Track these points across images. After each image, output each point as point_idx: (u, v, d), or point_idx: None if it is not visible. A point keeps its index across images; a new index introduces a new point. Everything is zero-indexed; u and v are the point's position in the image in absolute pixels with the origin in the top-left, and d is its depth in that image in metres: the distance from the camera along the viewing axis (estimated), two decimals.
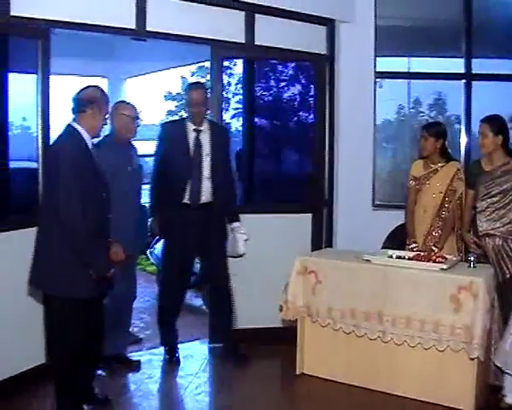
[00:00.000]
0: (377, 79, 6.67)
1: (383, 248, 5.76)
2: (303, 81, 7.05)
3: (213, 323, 5.81)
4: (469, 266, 4.77)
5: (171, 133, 5.49)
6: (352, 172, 6.51)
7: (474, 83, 6.81)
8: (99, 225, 4.08)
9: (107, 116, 4.25)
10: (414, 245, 5.38)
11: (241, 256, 5.59)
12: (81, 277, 4.01)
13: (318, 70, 6.30)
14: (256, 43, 5.92)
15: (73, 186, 3.85)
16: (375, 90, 6.61)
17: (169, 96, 26.14)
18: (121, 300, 5.10)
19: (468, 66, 6.79)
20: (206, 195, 5.34)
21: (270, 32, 5.97)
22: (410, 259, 4.89)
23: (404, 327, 4.66)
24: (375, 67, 6.56)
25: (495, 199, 4.90)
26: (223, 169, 5.45)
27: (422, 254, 4.96)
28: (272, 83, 7.01)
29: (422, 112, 7.88)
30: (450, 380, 4.63)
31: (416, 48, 7.05)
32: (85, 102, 4.05)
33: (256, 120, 7.22)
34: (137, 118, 5.17)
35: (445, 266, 4.64)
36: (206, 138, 5.38)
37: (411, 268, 4.74)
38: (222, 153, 5.48)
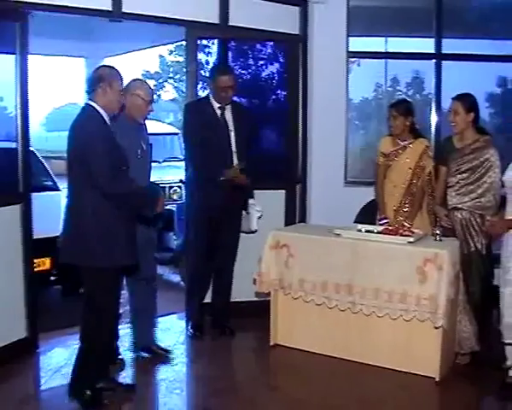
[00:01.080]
0: (350, 59, 6.72)
1: (355, 222, 5.87)
2: (278, 60, 7.10)
3: (212, 295, 5.89)
4: (435, 239, 4.89)
5: (200, 111, 5.51)
6: (325, 149, 6.56)
7: (446, 63, 6.90)
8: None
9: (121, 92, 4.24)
10: (385, 220, 5.49)
11: (253, 232, 5.64)
12: (119, 245, 4.07)
13: (291, 50, 6.37)
14: (230, 23, 5.96)
15: (103, 154, 3.91)
16: (347, 69, 6.66)
17: (147, 75, 26.01)
18: (145, 288, 5.10)
19: (438, 46, 6.86)
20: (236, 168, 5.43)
21: (244, 13, 6.01)
22: (378, 233, 5.01)
23: (373, 298, 4.78)
24: (347, 46, 6.61)
25: (465, 175, 4.97)
26: (245, 144, 5.56)
27: (390, 228, 5.08)
28: (248, 62, 7.04)
29: (400, 90, 7.97)
30: (417, 349, 4.77)
31: (389, 28, 7.12)
32: (95, 81, 4.08)
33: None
34: (152, 101, 4.94)
35: (411, 240, 4.76)
36: (229, 116, 5.53)
37: (380, 242, 4.86)
38: (244, 130, 5.57)
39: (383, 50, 7.34)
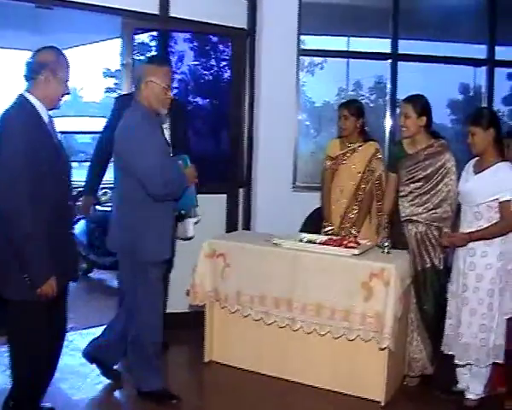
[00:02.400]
0: (302, 57, 6.25)
1: (302, 230, 5.38)
2: (225, 56, 6.63)
3: None
4: (383, 251, 4.42)
5: (127, 106, 4.83)
6: (273, 151, 6.06)
7: (409, 68, 6.53)
8: (57, 213, 3.40)
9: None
10: (329, 228, 5.03)
11: (189, 239, 5.09)
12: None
13: (237, 45, 5.85)
14: (171, 14, 5.43)
15: (20, 166, 3.16)
16: (298, 67, 6.18)
17: (108, 73, 25.20)
18: None
19: (394, 46, 6.44)
20: None
21: (187, 4, 5.48)
22: (321, 243, 4.51)
23: (314, 315, 4.30)
24: (298, 44, 6.13)
25: (418, 184, 4.51)
26: (181, 140, 4.96)
27: (335, 238, 4.61)
28: (191, 57, 6.57)
29: (363, 95, 7.72)
30: (361, 370, 4.30)
31: (344, 27, 6.68)
32: (37, 67, 3.32)
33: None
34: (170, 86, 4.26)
35: (356, 252, 4.28)
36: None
37: (322, 253, 4.37)
38: (180, 127, 5.02)
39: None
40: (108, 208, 6.89)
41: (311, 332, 4.35)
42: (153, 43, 7.90)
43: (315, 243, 4.53)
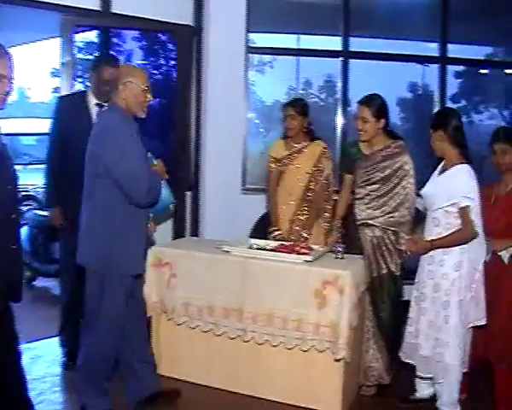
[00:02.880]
0: (250, 55, 6.03)
1: (252, 235, 5.15)
2: (173, 56, 6.35)
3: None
4: (337, 257, 4.21)
5: (70, 108, 4.59)
6: (222, 152, 5.86)
7: (357, 65, 6.37)
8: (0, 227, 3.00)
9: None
10: (277, 233, 4.81)
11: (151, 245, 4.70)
12: None
13: (182, 43, 5.60)
14: (113, 10, 5.16)
15: None
16: (247, 65, 5.94)
17: (55, 72, 24.43)
18: None
19: (345, 44, 6.29)
20: None
21: None
22: (272, 250, 4.27)
23: (266, 325, 4.05)
24: (247, 41, 5.90)
25: (375, 186, 4.31)
26: None
27: (286, 244, 4.37)
28: (140, 57, 6.29)
29: (313, 94, 7.60)
30: (316, 382, 4.07)
31: (295, 24, 6.47)
32: None
33: None
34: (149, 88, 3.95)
35: (309, 258, 4.05)
36: None
37: (273, 260, 4.12)
38: None
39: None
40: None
41: (262, 343, 4.11)
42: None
43: (265, 249, 4.28)
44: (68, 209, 4.51)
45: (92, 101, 4.60)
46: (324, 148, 4.85)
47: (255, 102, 6.99)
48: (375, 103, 4.27)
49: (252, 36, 6.06)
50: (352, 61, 6.34)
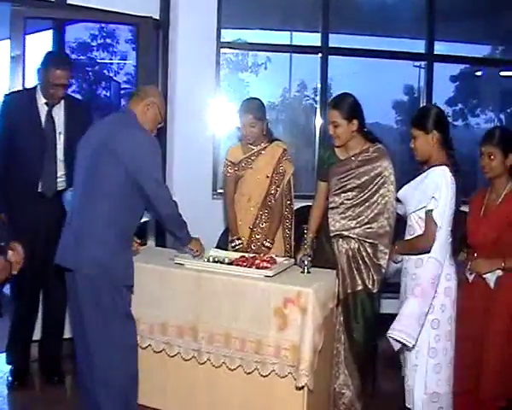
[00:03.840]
0: (222, 50, 5.60)
1: (218, 245, 4.71)
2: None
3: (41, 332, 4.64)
4: (303, 271, 3.76)
5: (18, 105, 4.26)
6: (190, 156, 5.42)
7: (347, 63, 6.11)
8: None
9: None
10: (237, 242, 4.41)
11: None
12: None
13: (143, 36, 5.12)
14: (68, 1, 4.74)
15: None
16: (218, 62, 5.50)
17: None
18: None
19: (324, 40, 5.88)
20: (61, 181, 4.28)
21: None
22: (230, 263, 3.82)
23: (223, 346, 3.62)
24: (218, 35, 5.46)
25: (351, 194, 3.87)
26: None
27: (247, 256, 3.93)
28: (93, 47, 5.88)
29: (308, 96, 7.31)
30: None
31: (269, 19, 6.03)
32: None
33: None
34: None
35: (269, 273, 3.60)
36: (59, 114, 4.30)
37: (229, 275, 3.68)
38: (79, 132, 4.21)
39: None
40: None
41: (220, 366, 3.66)
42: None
43: (222, 262, 3.83)
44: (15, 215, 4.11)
45: (41, 99, 4.25)
46: (285, 149, 4.44)
47: None
48: (345, 104, 3.84)
49: (243, 32, 5.63)
50: (347, 62, 6.03)
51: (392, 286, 4.58)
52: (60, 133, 4.26)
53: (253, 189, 4.41)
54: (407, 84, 7.80)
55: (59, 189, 4.27)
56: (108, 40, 9.89)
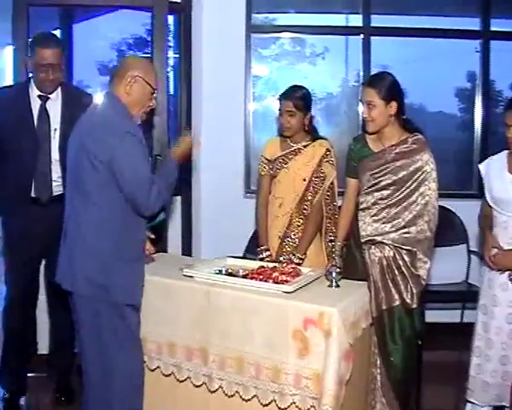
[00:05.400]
0: (253, 34, 5.04)
1: (246, 250, 4.20)
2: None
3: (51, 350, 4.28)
4: (331, 284, 3.18)
5: (7, 101, 3.81)
6: (219, 150, 4.93)
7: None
8: None
9: None
10: (266, 254, 3.85)
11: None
12: None
13: (159, 20, 4.56)
14: None
15: None
16: (249, 49, 4.98)
17: None
18: None
19: (366, 20, 5.33)
20: (57, 185, 3.80)
21: None
22: (244, 275, 3.27)
23: (235, 372, 3.07)
24: (249, 18, 4.91)
25: (386, 192, 3.30)
26: None
27: (266, 266, 3.37)
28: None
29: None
30: None
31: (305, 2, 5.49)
32: None
33: None
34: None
35: (289, 289, 3.03)
36: (55, 107, 3.81)
37: (242, 290, 3.13)
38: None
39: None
40: None
41: (233, 395, 3.12)
42: None
43: (237, 275, 3.28)
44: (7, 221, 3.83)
45: (34, 92, 3.78)
46: (328, 150, 3.85)
47: None
48: (384, 82, 3.29)
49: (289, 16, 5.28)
50: (404, 48, 5.45)
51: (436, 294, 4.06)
52: (55, 130, 3.79)
53: (286, 193, 3.87)
54: (469, 71, 7.12)
55: (55, 193, 3.81)
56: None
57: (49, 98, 3.80)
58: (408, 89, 5.53)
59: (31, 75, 3.81)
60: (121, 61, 3.26)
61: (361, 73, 5.42)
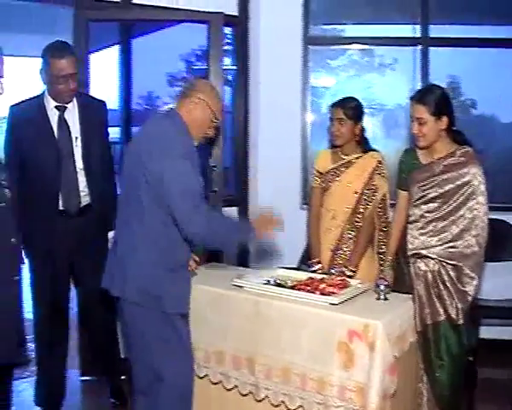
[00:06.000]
0: (310, 46, 5.06)
1: (301, 262, 4.22)
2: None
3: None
4: (378, 297, 3.17)
5: (24, 115, 3.76)
6: (275, 162, 4.95)
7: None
8: None
9: None
10: (318, 267, 3.84)
11: None
12: None
13: (215, 33, 4.64)
14: (133, 1, 4.42)
15: None
16: (305, 59, 4.99)
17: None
18: None
19: (424, 31, 5.24)
20: (84, 195, 3.83)
21: None
22: (292, 286, 3.29)
23: (281, 382, 3.09)
24: (306, 30, 4.93)
25: (432, 206, 3.26)
26: (99, 158, 3.87)
27: (315, 277, 3.39)
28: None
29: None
30: None
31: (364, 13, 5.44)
32: None
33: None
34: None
35: (335, 301, 3.04)
36: (73, 117, 3.80)
37: (289, 301, 3.15)
38: (97, 136, 3.90)
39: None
40: None
41: (278, 405, 3.15)
42: None
43: (285, 286, 3.30)
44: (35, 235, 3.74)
45: (50, 104, 3.78)
46: (379, 162, 3.83)
47: (375, 105, 6.07)
48: (433, 97, 3.23)
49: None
50: (476, 57, 5.36)
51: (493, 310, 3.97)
52: (76, 138, 3.78)
53: (338, 205, 3.86)
54: None
55: (84, 204, 3.83)
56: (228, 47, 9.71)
57: (66, 108, 3.78)
58: (478, 100, 5.52)
59: (44, 87, 3.80)
60: (191, 82, 3.32)
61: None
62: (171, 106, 3.16)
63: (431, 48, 5.21)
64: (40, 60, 3.66)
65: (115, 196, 3.60)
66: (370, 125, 5.66)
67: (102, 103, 4.08)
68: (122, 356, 4.09)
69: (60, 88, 3.68)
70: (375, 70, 5.97)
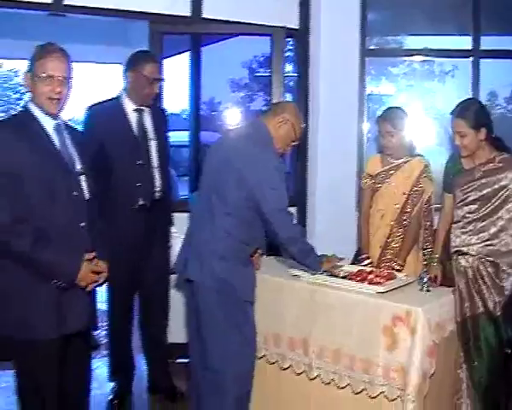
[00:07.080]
0: (367, 58, 5.37)
1: (356, 257, 4.55)
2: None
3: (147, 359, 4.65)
4: (421, 289, 3.50)
5: (105, 116, 4.08)
6: (334, 165, 5.26)
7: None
8: (67, 234, 2.88)
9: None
10: (367, 262, 4.18)
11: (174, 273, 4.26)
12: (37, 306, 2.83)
13: (278, 46, 5.07)
14: (204, 15, 4.83)
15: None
16: (363, 72, 5.32)
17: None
18: None
19: (476, 42, 5.46)
20: (158, 190, 4.23)
21: (222, 2, 4.89)
22: (344, 277, 3.66)
23: (332, 362, 3.45)
24: (363, 42, 5.26)
25: (472, 207, 3.59)
26: (166, 158, 4.34)
27: (364, 270, 3.74)
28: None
29: (499, 104, 6.76)
30: None
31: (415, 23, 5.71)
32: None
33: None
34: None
35: (381, 290, 3.40)
36: (148, 120, 4.20)
37: (341, 290, 3.51)
38: (164, 138, 4.36)
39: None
40: None
41: (328, 383, 3.51)
42: None
43: (337, 276, 3.67)
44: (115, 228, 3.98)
45: (129, 106, 4.15)
46: (426, 166, 4.17)
47: (434, 112, 6.35)
48: (471, 112, 3.55)
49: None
50: None
51: None
52: (151, 140, 4.17)
53: (387, 205, 4.20)
54: None
55: (156, 198, 4.18)
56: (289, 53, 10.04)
57: (143, 111, 4.15)
58: None
59: (122, 90, 4.18)
60: (282, 103, 3.87)
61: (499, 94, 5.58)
62: (258, 119, 3.60)
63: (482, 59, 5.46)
64: (120, 66, 4.09)
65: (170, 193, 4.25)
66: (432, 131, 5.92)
67: (165, 111, 4.59)
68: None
69: (148, 91, 4.10)
70: (435, 77, 6.17)
